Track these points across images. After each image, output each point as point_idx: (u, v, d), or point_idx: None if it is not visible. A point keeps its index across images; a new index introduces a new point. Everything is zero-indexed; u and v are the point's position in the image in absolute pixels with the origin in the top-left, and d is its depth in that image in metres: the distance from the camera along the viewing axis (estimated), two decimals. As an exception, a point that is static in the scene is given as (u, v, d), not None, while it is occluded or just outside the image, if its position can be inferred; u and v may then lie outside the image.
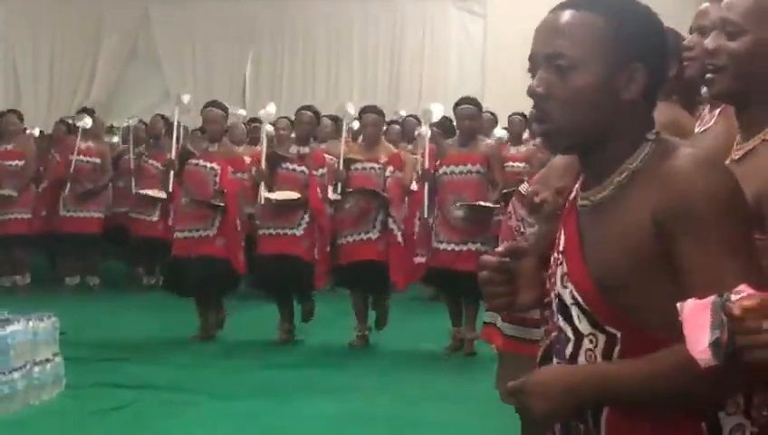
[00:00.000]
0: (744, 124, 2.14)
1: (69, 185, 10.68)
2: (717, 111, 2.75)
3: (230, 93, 15.78)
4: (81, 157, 10.72)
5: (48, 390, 6.43)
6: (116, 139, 12.50)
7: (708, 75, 2.15)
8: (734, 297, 1.60)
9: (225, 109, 8.46)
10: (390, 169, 8.06)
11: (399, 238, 8.09)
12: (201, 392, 6.66)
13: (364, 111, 8.42)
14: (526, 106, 8.71)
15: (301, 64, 16.13)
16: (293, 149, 8.26)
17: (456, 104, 7.99)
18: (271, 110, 8.81)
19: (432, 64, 15.70)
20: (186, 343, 8.11)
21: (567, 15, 1.86)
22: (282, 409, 6.31)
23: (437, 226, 7.79)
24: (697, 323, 1.62)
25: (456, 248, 7.63)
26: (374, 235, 8.03)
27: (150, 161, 10.85)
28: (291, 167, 8.14)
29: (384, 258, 8.05)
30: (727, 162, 2.08)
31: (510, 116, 10.93)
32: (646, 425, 1.82)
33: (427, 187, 8.00)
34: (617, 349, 1.84)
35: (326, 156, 8.39)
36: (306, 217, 8.08)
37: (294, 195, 8.03)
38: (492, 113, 11.07)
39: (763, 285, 1.67)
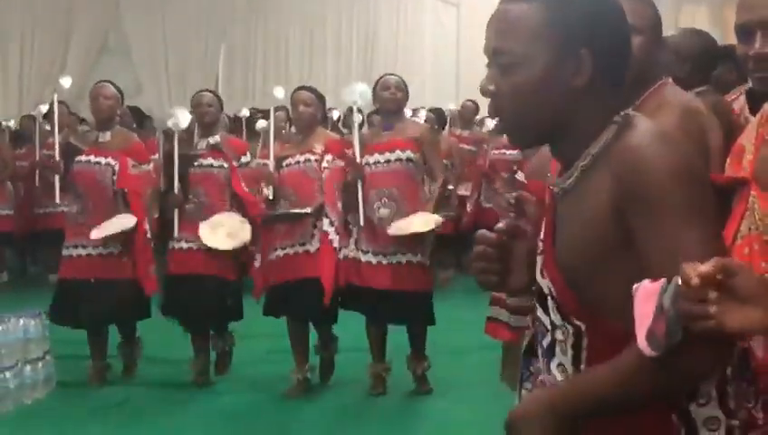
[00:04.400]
0: None
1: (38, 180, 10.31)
2: None
3: (203, 84, 15.67)
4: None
5: (40, 389, 6.37)
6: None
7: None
8: (686, 274, 1.54)
9: (118, 89, 6.74)
10: (329, 157, 6.34)
11: (333, 239, 6.28)
12: (196, 388, 6.59)
13: (297, 90, 6.63)
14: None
15: (274, 56, 16.06)
16: (202, 143, 6.71)
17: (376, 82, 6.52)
18: (279, 94, 7.22)
19: (406, 53, 15.68)
20: (176, 338, 7.77)
21: (508, 9, 1.83)
22: (280, 404, 6.28)
23: (359, 232, 6.25)
24: (644, 310, 1.59)
25: (384, 262, 6.16)
26: (312, 247, 6.32)
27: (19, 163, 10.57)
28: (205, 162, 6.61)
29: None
30: None
31: (463, 102, 11.33)
32: (618, 419, 1.78)
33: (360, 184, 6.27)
34: (584, 341, 1.81)
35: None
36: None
37: (131, 222, 6.43)
38: (473, 101, 11.16)
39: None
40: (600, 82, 1.81)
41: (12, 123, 12.58)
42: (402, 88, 6.40)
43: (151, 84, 15.72)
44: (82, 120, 12.40)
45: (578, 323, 1.80)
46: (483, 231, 2.03)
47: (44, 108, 10.47)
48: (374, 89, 6.41)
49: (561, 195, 1.87)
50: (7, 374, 6.06)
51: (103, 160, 6.50)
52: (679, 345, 1.56)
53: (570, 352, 1.83)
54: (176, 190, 6.52)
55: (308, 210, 6.26)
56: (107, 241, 6.42)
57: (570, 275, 1.81)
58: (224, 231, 6.44)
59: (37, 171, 10.03)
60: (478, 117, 11.59)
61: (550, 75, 1.79)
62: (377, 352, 6.40)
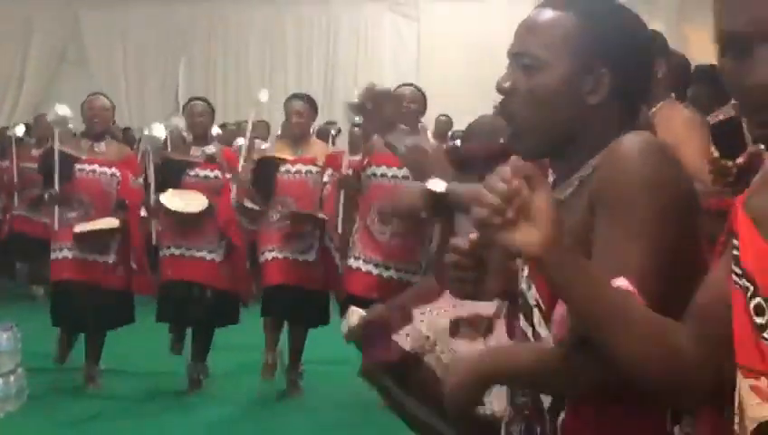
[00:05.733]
0: None
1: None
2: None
3: (162, 98, 15.69)
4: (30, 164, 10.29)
5: (12, 402, 6.31)
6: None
7: None
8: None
9: (111, 101, 6.99)
10: (329, 172, 6.56)
11: (337, 261, 6.54)
12: (171, 400, 6.59)
13: (290, 99, 6.75)
14: (461, 108, 8.58)
15: (234, 69, 16.05)
16: (197, 152, 6.80)
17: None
18: (263, 97, 7.30)
19: (366, 68, 15.69)
20: (147, 349, 7.65)
21: (541, 14, 1.85)
22: (254, 417, 6.29)
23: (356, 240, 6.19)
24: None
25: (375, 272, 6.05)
26: (311, 256, 6.58)
27: None
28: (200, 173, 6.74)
29: (324, 287, 6.64)
30: None
31: (437, 117, 11.25)
32: (605, 430, 1.78)
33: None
34: None
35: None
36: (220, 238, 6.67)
37: (114, 222, 6.66)
38: (447, 116, 11.23)
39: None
40: (615, 103, 1.82)
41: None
42: (417, 99, 6.17)
43: (110, 95, 15.62)
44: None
45: None
46: (456, 240, 2.02)
47: (20, 129, 10.51)
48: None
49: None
50: (-20, 387, 6.02)
51: (108, 171, 6.70)
52: (588, 345, 1.56)
53: None
54: (56, 188, 6.62)
55: (320, 215, 6.44)
56: (84, 239, 6.55)
57: None
58: (184, 198, 6.60)
59: (15, 193, 10.32)
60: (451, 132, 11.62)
61: (566, 86, 1.80)
62: None
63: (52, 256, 6.77)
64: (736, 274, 1.38)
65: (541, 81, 1.81)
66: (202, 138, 6.90)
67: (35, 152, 10.29)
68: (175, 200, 6.57)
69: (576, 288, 1.48)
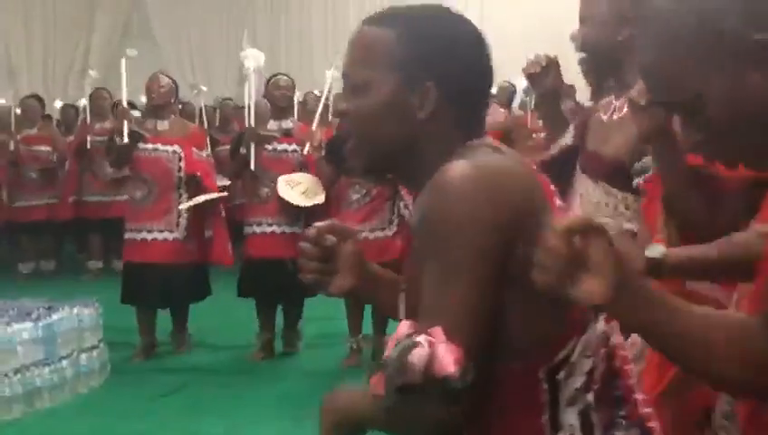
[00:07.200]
0: None
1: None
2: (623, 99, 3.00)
3: (226, 72, 15.66)
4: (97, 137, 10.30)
5: (96, 377, 6.35)
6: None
7: None
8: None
9: (172, 78, 7.12)
10: None
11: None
12: (255, 374, 6.58)
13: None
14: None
15: (298, 39, 15.99)
16: (273, 125, 6.93)
17: None
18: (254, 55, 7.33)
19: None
20: (230, 322, 7.68)
21: (362, 32, 1.81)
22: (336, 386, 6.23)
23: None
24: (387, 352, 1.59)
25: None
26: (390, 230, 6.48)
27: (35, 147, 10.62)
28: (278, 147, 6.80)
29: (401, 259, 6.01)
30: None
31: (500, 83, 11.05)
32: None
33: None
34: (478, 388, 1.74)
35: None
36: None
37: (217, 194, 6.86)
38: (510, 82, 11.11)
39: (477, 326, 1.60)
40: (448, 114, 1.76)
41: (58, 104, 12.60)
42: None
43: (174, 70, 15.67)
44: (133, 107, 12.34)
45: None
46: (309, 228, 2.00)
47: (83, 101, 10.55)
48: None
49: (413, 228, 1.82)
50: (64, 363, 6.02)
51: (170, 148, 6.77)
52: (406, 398, 1.55)
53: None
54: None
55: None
56: (184, 221, 6.71)
57: (414, 310, 1.73)
58: (300, 189, 6.60)
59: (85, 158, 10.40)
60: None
61: (392, 104, 1.76)
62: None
63: (127, 236, 6.85)
64: None
65: (366, 101, 1.78)
66: (282, 112, 6.91)
67: (98, 126, 10.36)
68: (291, 192, 6.56)
69: (650, 328, 1.47)
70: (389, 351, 1.57)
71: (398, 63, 1.76)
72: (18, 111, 10.97)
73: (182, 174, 6.76)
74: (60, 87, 14.93)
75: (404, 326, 1.61)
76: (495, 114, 6.54)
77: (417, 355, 1.54)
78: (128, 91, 11.86)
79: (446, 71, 1.76)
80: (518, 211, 1.64)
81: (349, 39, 1.84)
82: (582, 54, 3.33)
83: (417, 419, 1.61)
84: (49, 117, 11.76)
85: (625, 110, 2.98)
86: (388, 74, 1.76)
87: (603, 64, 3.14)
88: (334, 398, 1.84)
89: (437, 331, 1.56)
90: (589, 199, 3.14)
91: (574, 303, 1.45)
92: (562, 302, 1.46)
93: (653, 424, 1.79)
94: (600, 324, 1.75)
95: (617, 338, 1.77)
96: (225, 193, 6.89)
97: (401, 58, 1.76)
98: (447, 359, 1.54)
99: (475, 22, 1.83)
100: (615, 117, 3.13)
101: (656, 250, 2.27)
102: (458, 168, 1.66)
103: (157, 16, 15.86)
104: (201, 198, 6.71)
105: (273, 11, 16.02)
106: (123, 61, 7.41)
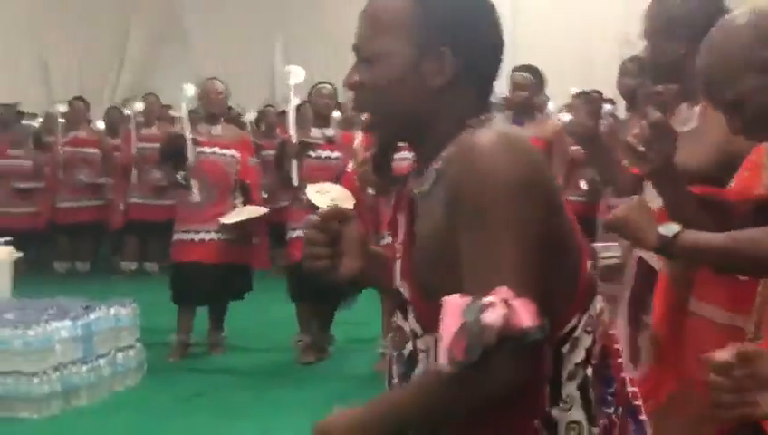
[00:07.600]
0: None
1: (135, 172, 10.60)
2: (697, 108, 2.94)
3: (259, 78, 15.74)
4: (145, 144, 10.42)
5: (132, 376, 6.43)
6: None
7: None
8: (486, 301, 1.52)
9: (224, 84, 7.17)
10: None
11: None
12: (288, 378, 6.62)
13: None
14: (561, 89, 8.43)
15: (333, 47, 16.00)
16: (316, 133, 6.99)
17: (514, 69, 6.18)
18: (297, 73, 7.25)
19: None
20: (265, 324, 7.85)
21: (375, 3, 1.81)
22: (372, 392, 6.26)
23: None
24: (448, 325, 1.55)
25: None
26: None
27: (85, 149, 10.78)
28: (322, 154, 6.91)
29: None
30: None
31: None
32: (477, 426, 1.71)
33: None
34: None
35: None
36: None
37: (260, 210, 7.04)
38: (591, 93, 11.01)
39: (529, 286, 1.57)
40: (464, 84, 1.76)
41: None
42: (526, 86, 6.14)
43: (208, 75, 15.75)
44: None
45: (435, 335, 1.68)
46: (311, 216, 2.01)
47: (140, 105, 10.67)
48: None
49: (419, 199, 1.81)
50: (101, 362, 6.11)
51: (227, 152, 6.96)
52: (476, 362, 1.53)
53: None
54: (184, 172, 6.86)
55: None
56: (230, 228, 6.80)
57: (424, 287, 1.75)
58: (329, 196, 6.63)
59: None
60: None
61: (407, 73, 1.75)
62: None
63: (177, 237, 6.99)
64: None
65: (382, 70, 1.76)
66: (324, 119, 7.05)
67: (145, 132, 10.46)
68: (321, 199, 6.58)
69: None
70: (456, 319, 1.54)
71: (413, 30, 1.74)
72: (64, 108, 11.14)
73: (238, 177, 6.96)
74: (97, 93, 15.04)
75: (455, 299, 1.58)
76: (543, 123, 6.37)
77: (494, 315, 1.52)
78: (163, 95, 12.09)
79: (463, 40, 1.74)
80: (546, 175, 1.69)
81: (361, 11, 1.82)
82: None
83: (483, 383, 1.57)
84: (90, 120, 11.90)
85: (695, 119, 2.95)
86: (401, 41, 1.74)
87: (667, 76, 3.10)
88: (329, 424, 1.80)
89: (504, 289, 1.55)
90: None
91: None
92: (571, 274, 1.52)
93: (639, 402, 1.83)
94: (599, 302, 1.78)
95: (608, 317, 1.81)
96: (266, 211, 7.05)
97: (416, 24, 1.74)
98: (524, 313, 1.53)
99: (507, 34, 1.84)
100: (687, 127, 3.04)
101: (670, 229, 2.31)
102: (486, 136, 1.67)
103: (190, 24, 15.96)
104: (244, 215, 6.86)
105: (306, 16, 16.07)
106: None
